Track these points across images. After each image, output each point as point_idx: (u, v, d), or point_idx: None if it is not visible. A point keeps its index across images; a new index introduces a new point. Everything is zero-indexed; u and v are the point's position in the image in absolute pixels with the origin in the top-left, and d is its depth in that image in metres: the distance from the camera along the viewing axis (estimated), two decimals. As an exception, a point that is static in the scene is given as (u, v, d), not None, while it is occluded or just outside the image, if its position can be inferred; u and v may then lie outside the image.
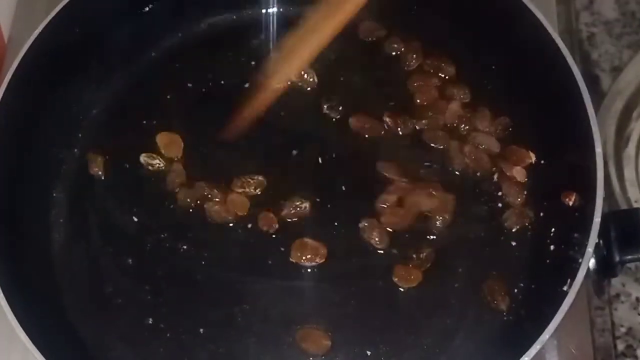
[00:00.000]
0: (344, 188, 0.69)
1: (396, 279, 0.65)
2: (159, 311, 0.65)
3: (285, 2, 0.79)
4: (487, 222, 0.68)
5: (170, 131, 0.72)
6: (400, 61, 0.75)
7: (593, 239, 0.58)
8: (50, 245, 0.68)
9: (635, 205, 0.74)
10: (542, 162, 0.69)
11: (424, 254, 0.66)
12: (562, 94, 0.65)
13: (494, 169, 0.69)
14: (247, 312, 0.65)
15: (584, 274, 0.57)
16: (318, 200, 0.69)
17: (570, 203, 0.62)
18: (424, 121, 0.71)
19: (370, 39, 0.76)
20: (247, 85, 0.74)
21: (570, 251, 0.60)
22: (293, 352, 0.63)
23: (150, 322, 0.65)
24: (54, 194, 0.70)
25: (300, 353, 0.63)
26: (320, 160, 0.71)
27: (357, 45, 0.76)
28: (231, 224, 0.68)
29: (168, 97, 0.75)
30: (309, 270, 0.66)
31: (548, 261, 0.64)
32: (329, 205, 0.69)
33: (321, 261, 0.66)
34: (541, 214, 0.67)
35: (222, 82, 0.75)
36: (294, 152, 0.71)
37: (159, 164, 0.70)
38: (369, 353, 0.63)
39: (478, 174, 0.69)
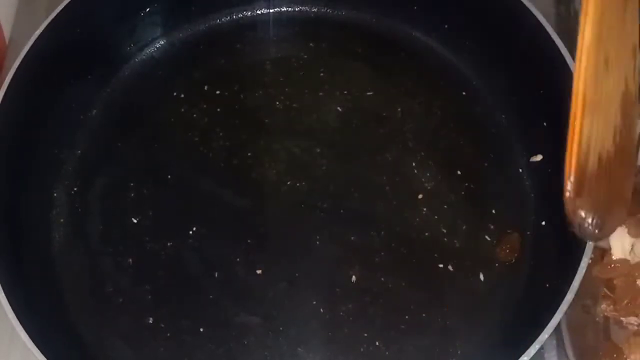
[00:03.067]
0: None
1: None
2: (159, 311, 0.65)
3: (286, 2, 0.79)
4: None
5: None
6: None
7: (592, 239, 0.58)
8: (50, 245, 0.68)
9: (634, 205, 0.74)
10: (542, 162, 0.69)
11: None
12: (562, 93, 0.65)
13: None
14: (247, 312, 0.65)
15: (583, 273, 0.57)
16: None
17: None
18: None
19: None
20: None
21: (570, 251, 0.60)
22: (293, 352, 0.63)
23: (150, 322, 0.65)
24: (54, 194, 0.70)
25: (300, 353, 0.63)
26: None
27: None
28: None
29: (168, 96, 0.75)
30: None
31: (547, 261, 0.64)
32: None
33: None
34: (542, 215, 0.68)
35: (222, 81, 0.76)
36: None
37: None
38: (368, 353, 0.63)
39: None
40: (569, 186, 0.50)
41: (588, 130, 0.50)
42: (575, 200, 0.51)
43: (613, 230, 0.55)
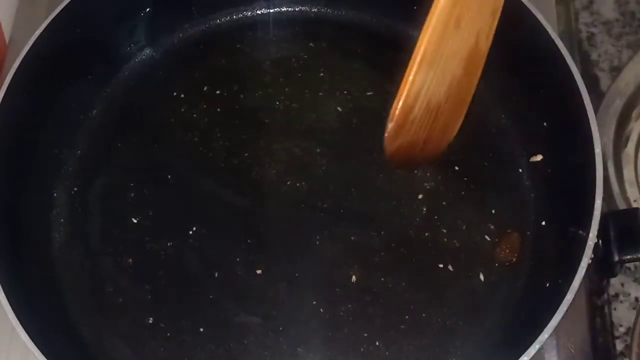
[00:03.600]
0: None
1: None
2: (159, 311, 0.65)
3: (286, 2, 0.79)
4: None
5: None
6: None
7: (592, 239, 0.58)
8: (50, 245, 0.68)
9: (634, 205, 0.74)
10: (542, 162, 0.69)
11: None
12: (562, 94, 0.65)
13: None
14: (247, 312, 0.65)
15: (583, 273, 0.57)
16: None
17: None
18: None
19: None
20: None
21: (570, 251, 0.60)
22: (293, 352, 0.63)
23: (150, 322, 0.65)
24: (54, 194, 0.70)
25: (300, 353, 0.63)
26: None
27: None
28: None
29: (168, 96, 0.75)
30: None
31: (547, 261, 0.64)
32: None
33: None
34: (542, 215, 0.68)
35: (222, 81, 0.76)
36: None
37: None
38: (368, 353, 0.63)
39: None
40: (389, 128, 0.54)
41: (421, 82, 0.53)
42: (393, 137, 0.55)
43: (424, 162, 0.60)
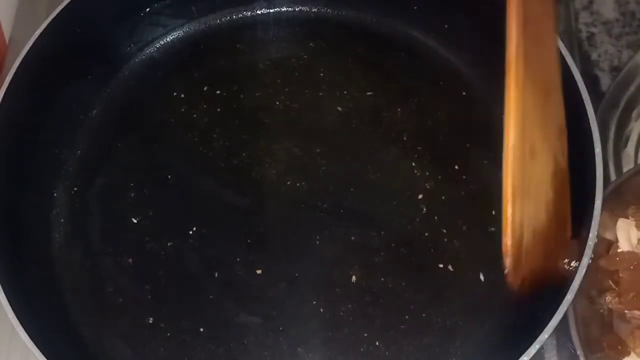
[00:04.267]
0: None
1: None
2: (159, 311, 0.65)
3: (286, 2, 0.79)
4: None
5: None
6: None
7: (592, 239, 0.58)
8: (50, 245, 0.68)
9: (634, 205, 0.74)
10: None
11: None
12: (562, 94, 0.65)
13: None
14: (247, 312, 0.65)
15: (584, 273, 0.57)
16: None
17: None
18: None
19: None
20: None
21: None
22: (293, 352, 0.63)
23: (150, 322, 0.65)
24: (54, 194, 0.70)
25: (300, 353, 0.63)
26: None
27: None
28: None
29: (168, 96, 0.75)
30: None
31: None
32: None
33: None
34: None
35: (222, 81, 0.76)
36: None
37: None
38: (368, 353, 0.63)
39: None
40: (507, 263, 0.56)
41: (519, 214, 0.55)
42: (514, 273, 0.56)
43: (557, 280, 0.60)
